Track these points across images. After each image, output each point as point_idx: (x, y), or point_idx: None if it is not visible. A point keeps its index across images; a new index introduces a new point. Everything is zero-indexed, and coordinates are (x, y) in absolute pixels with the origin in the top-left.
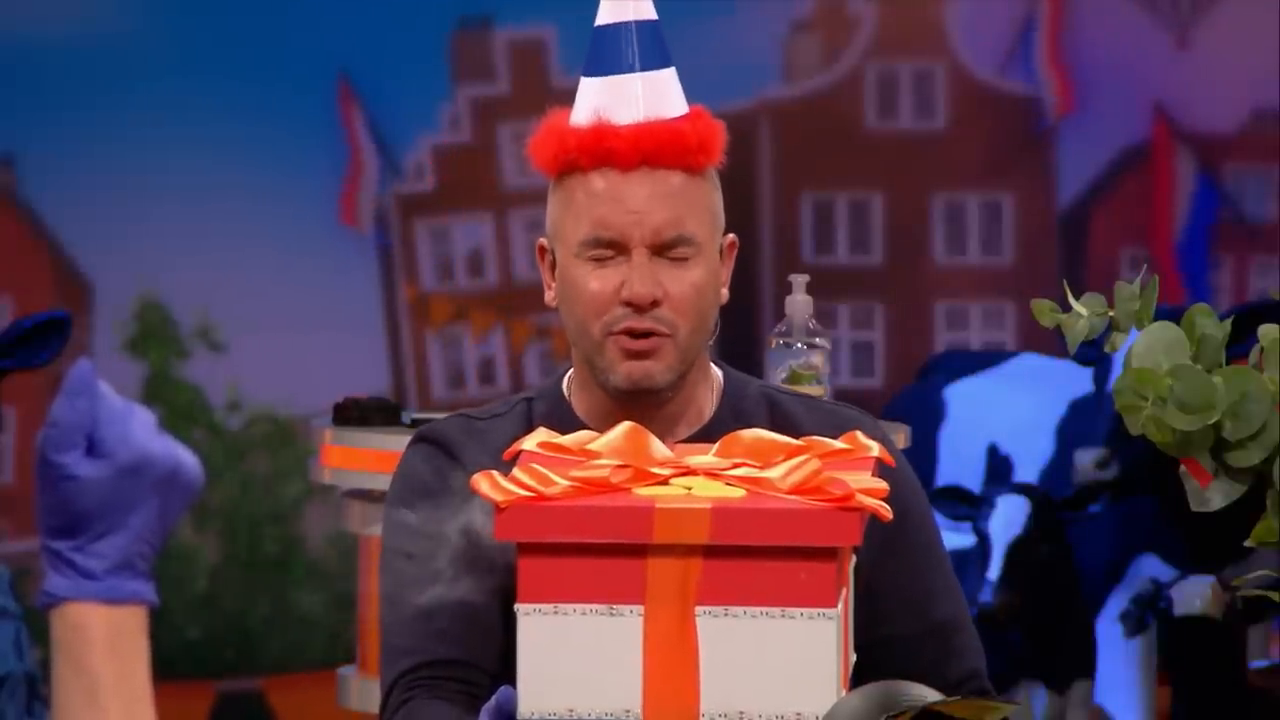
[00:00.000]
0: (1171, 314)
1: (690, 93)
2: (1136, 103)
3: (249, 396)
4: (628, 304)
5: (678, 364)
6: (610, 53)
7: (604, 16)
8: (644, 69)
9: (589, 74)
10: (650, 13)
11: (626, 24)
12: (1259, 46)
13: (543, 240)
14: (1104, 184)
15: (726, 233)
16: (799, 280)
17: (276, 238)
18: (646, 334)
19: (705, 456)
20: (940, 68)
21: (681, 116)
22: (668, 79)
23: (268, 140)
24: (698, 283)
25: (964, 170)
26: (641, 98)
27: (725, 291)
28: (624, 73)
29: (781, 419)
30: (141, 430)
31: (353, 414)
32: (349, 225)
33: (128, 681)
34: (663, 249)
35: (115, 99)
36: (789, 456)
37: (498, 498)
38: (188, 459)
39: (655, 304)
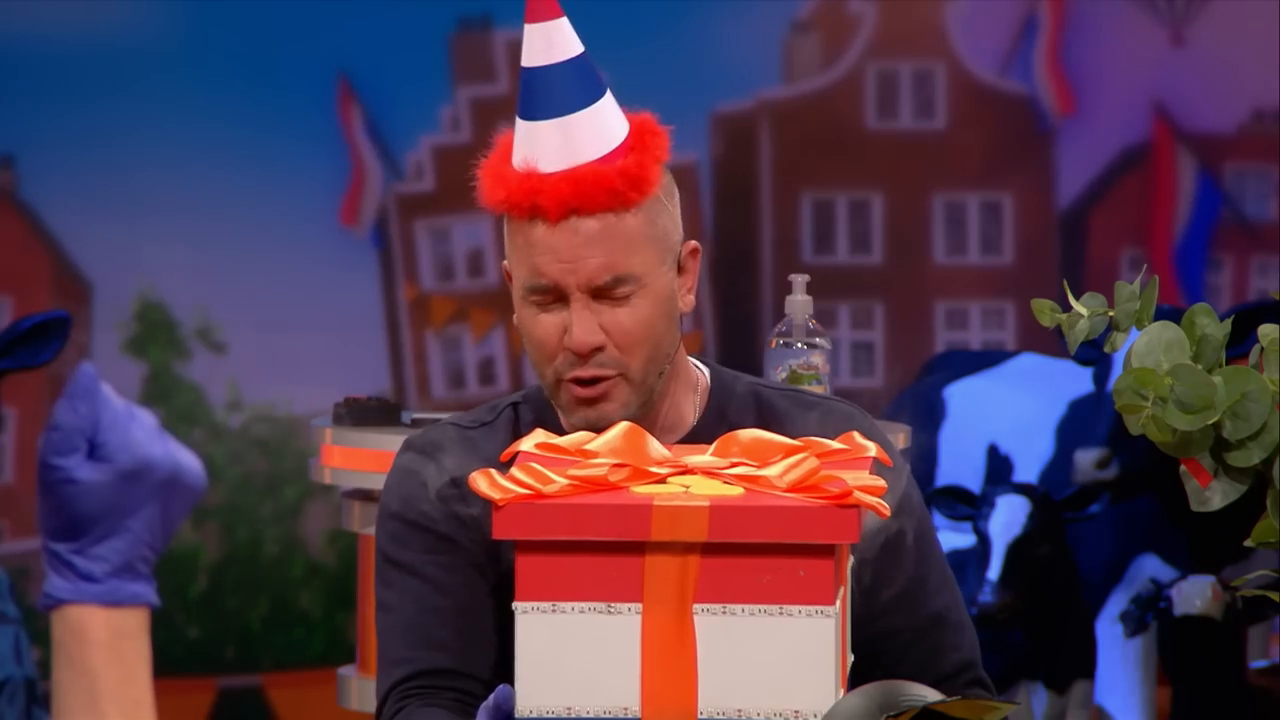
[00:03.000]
0: (1171, 314)
1: (691, 93)
2: (1136, 103)
3: (249, 396)
4: (571, 351)
5: (634, 398)
6: (534, 96)
7: (526, 57)
8: (561, 114)
9: (520, 116)
10: (573, 47)
11: (546, 67)
12: (1259, 46)
13: (505, 263)
14: (1104, 184)
15: (689, 240)
16: (799, 280)
17: (276, 238)
18: (594, 380)
19: (703, 456)
20: (940, 68)
21: (612, 151)
22: (589, 118)
23: (268, 140)
24: (643, 318)
25: (964, 170)
26: (560, 146)
27: (690, 298)
28: (541, 118)
29: (770, 416)
30: (143, 434)
31: (353, 414)
32: (349, 226)
33: (128, 684)
34: (601, 292)
35: (115, 99)
36: (786, 455)
37: (495, 496)
38: (190, 462)
39: (598, 349)
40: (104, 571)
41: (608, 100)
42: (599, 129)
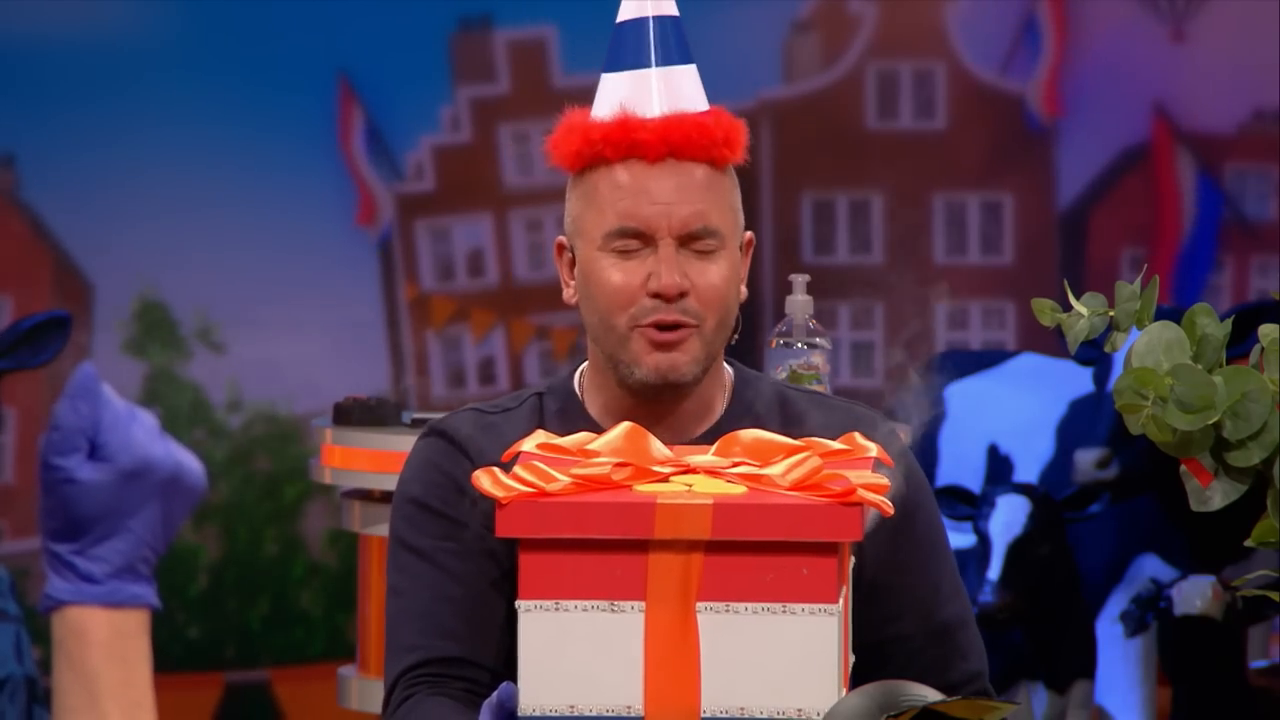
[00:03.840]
0: (1172, 314)
1: None
2: (1136, 103)
3: (249, 396)
4: (655, 295)
5: (703, 357)
6: (631, 48)
7: (625, 13)
8: (664, 64)
9: (610, 69)
10: (671, 9)
11: (646, 19)
12: (1259, 46)
13: (561, 238)
14: (1104, 184)
15: (747, 231)
16: (799, 280)
17: (276, 238)
18: (674, 326)
19: (705, 455)
20: (940, 68)
21: (704, 112)
22: (688, 75)
23: (268, 140)
24: (724, 275)
25: (964, 170)
26: (663, 92)
27: (744, 289)
28: (645, 68)
29: (793, 416)
30: (144, 434)
31: (353, 414)
32: (362, 225)
33: (129, 685)
34: (688, 241)
35: (115, 99)
36: (788, 455)
37: (499, 494)
38: (191, 463)
39: (683, 295)
40: (104, 573)
41: (695, 69)
42: (695, 87)
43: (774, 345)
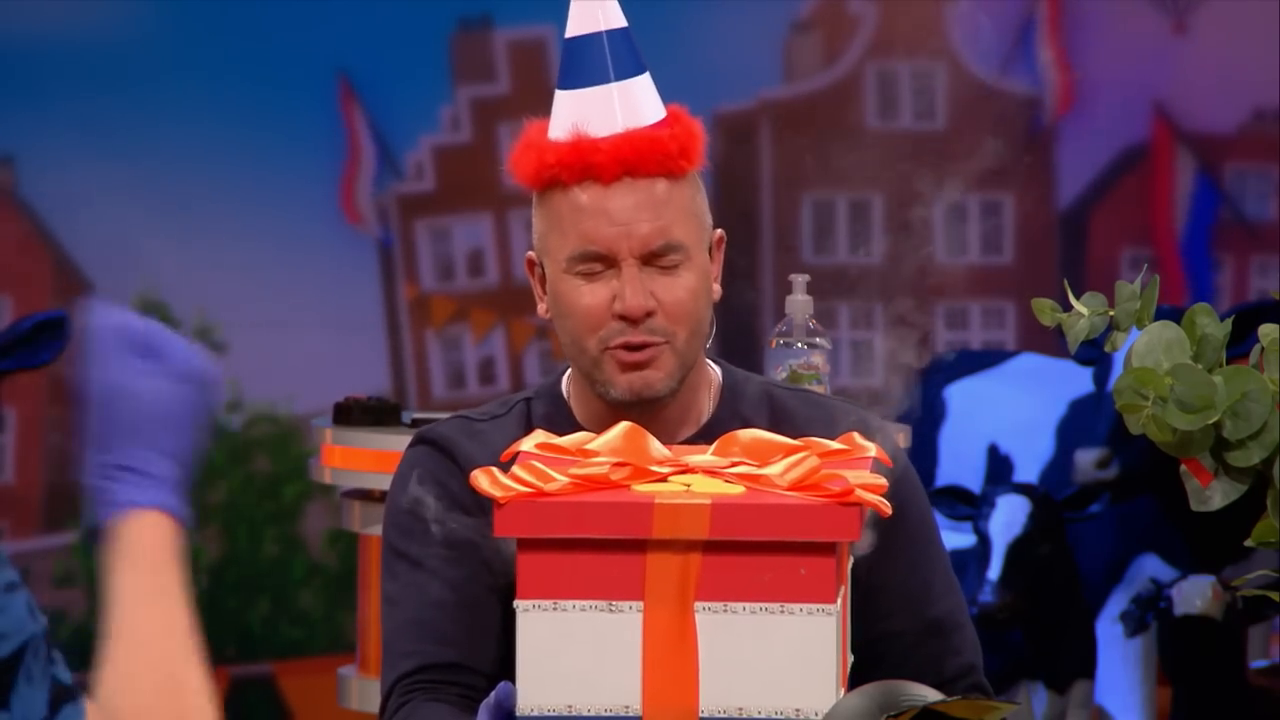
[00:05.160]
0: (1172, 314)
1: (691, 93)
2: (1136, 103)
3: (249, 396)
4: (621, 318)
5: (677, 370)
6: (583, 64)
7: (573, 27)
8: (618, 78)
9: (563, 86)
10: (619, 19)
11: (597, 34)
12: (1259, 45)
13: (531, 254)
14: (1104, 184)
15: (716, 228)
16: (799, 280)
17: (276, 237)
18: (643, 345)
19: (703, 455)
20: (940, 68)
21: (659, 122)
22: (642, 86)
23: (268, 140)
24: (690, 288)
25: (964, 170)
26: (618, 108)
27: (718, 288)
28: (598, 84)
29: (781, 416)
30: (179, 342)
31: (353, 414)
32: (354, 224)
33: (187, 588)
34: (652, 258)
35: (115, 98)
36: (787, 455)
37: (497, 494)
38: (212, 366)
39: (649, 315)
40: (171, 479)
41: (649, 77)
42: (650, 97)
43: (774, 345)
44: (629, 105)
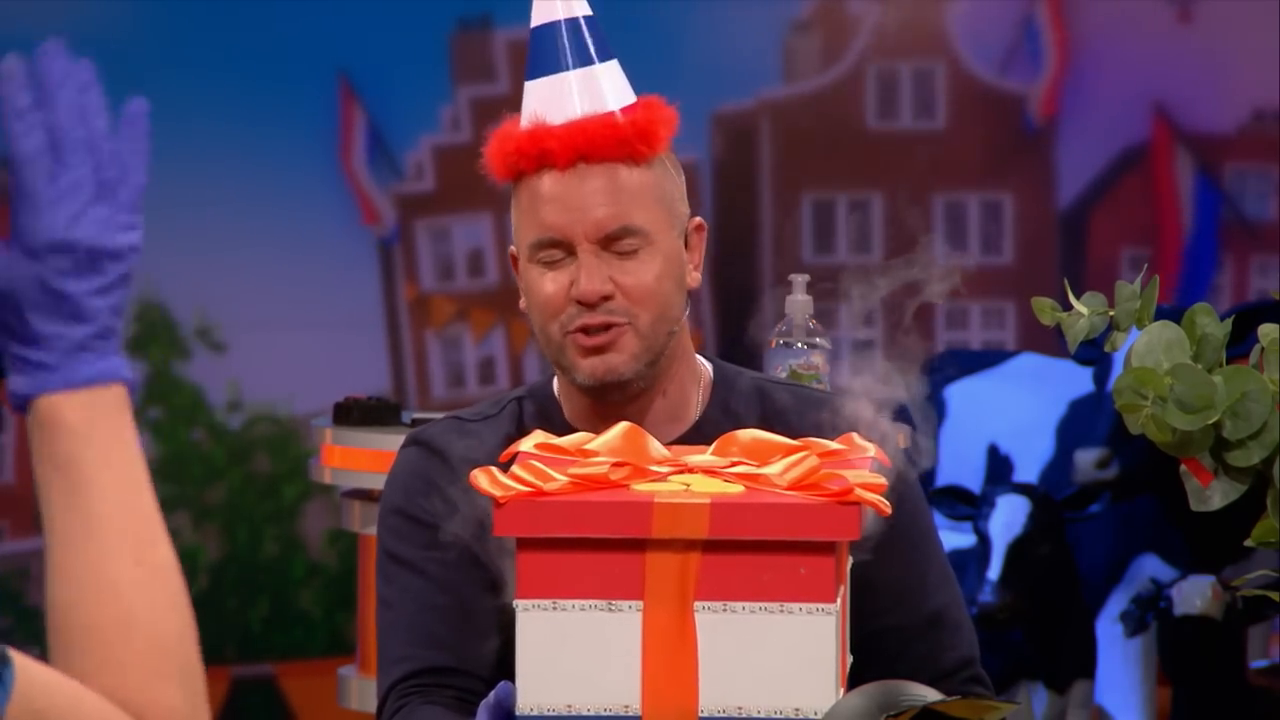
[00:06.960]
0: (1172, 314)
1: (690, 93)
2: (1136, 103)
3: (249, 396)
4: (579, 302)
5: (642, 352)
6: (543, 54)
7: (537, 17)
8: (580, 65)
9: (529, 77)
10: (582, 9)
11: (557, 23)
12: (1259, 46)
13: (512, 248)
14: (1104, 184)
15: (695, 216)
16: (799, 280)
17: (276, 237)
18: (602, 328)
19: (703, 455)
20: (940, 68)
21: (623, 108)
22: (604, 73)
23: (268, 140)
24: (654, 271)
25: (964, 170)
26: (576, 96)
27: (696, 275)
28: (557, 72)
29: (773, 411)
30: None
31: (353, 414)
32: (368, 225)
33: (112, 466)
34: (609, 243)
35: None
36: (786, 455)
37: (496, 493)
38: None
39: (606, 299)
40: (55, 359)
41: (617, 64)
42: (614, 84)
43: (774, 345)
44: (590, 93)
